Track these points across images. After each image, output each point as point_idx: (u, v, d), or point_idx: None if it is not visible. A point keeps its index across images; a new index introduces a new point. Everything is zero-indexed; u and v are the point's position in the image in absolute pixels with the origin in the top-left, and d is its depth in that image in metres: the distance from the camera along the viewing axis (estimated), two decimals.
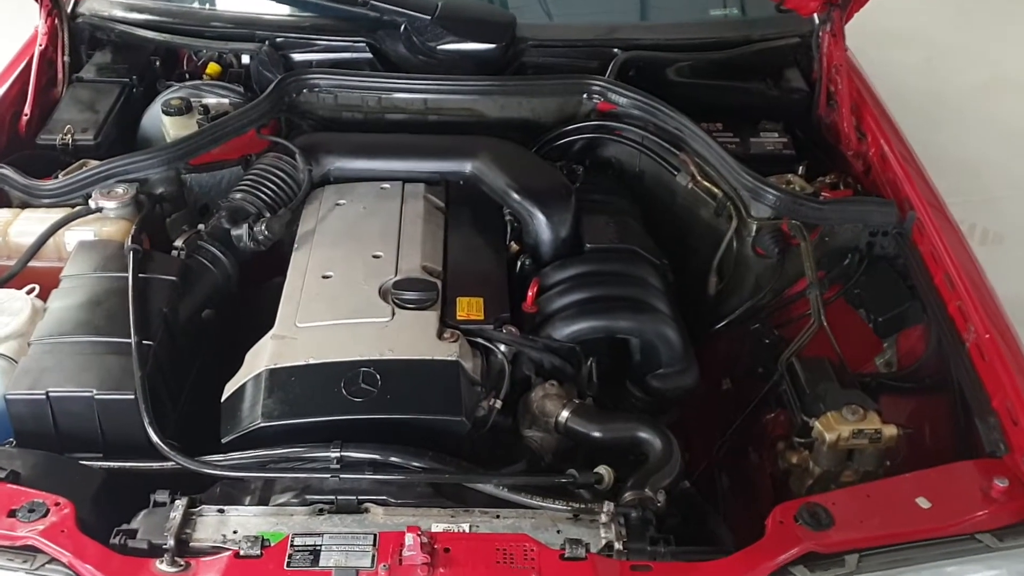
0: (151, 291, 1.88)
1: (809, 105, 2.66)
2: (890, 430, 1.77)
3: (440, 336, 1.80)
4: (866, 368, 2.11)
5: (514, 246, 2.14)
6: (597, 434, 1.74)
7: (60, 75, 2.65)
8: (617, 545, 1.49)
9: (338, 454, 1.58)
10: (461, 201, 2.28)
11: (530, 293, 1.94)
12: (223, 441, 1.68)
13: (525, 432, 1.80)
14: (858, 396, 1.83)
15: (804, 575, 1.45)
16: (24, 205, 2.21)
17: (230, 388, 1.78)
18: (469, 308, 1.89)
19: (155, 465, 1.65)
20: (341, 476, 1.57)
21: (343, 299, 1.89)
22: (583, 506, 1.57)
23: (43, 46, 2.59)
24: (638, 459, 1.72)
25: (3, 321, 1.85)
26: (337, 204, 2.21)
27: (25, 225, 2.10)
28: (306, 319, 1.84)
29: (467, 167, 2.25)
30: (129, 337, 1.78)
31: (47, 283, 1.99)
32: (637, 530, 1.53)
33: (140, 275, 1.89)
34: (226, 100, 2.56)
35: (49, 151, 2.42)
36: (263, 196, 2.16)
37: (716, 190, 2.28)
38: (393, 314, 1.84)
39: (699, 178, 2.31)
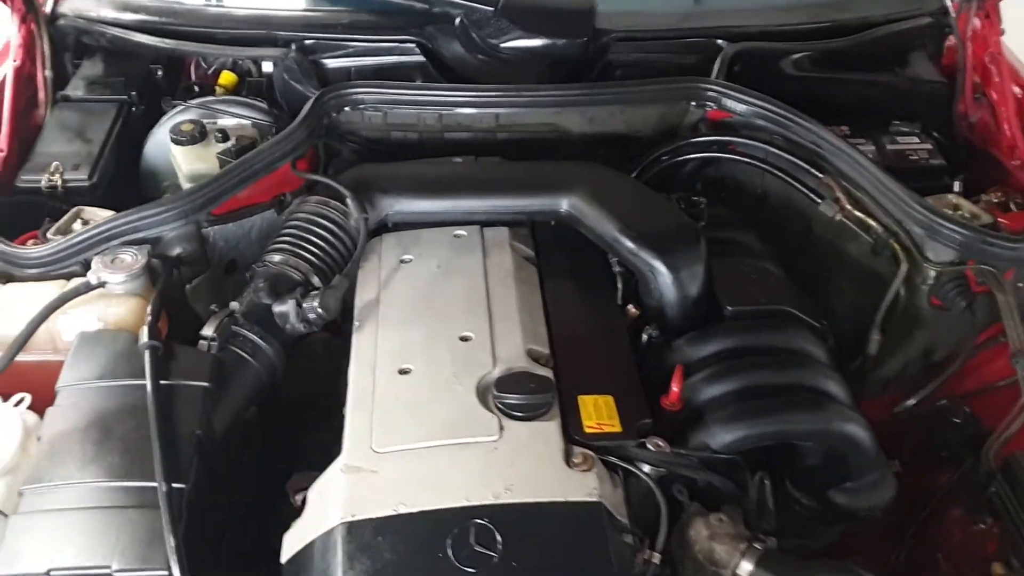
0: (178, 405, 1.43)
1: (945, 99, 2.19)
2: None
3: (569, 461, 1.35)
4: None
5: (632, 310, 1.69)
6: None
7: (41, 94, 2.16)
8: None
9: None
10: (551, 246, 1.81)
11: (675, 388, 1.48)
12: None
13: None
14: None
15: None
16: (5, 277, 1.74)
17: (293, 543, 1.34)
18: (599, 414, 1.43)
19: None
20: None
21: (432, 407, 1.43)
22: None
23: (18, 61, 2.10)
24: None
25: None
26: (402, 261, 1.74)
27: (8, 306, 1.63)
28: (387, 440, 1.39)
29: (562, 205, 1.78)
30: (152, 478, 1.33)
31: (38, 384, 1.54)
32: None
33: (162, 382, 1.44)
34: (247, 121, 2.09)
35: (33, 195, 1.95)
36: (309, 256, 1.69)
37: (872, 222, 1.82)
38: (501, 428, 1.39)
39: (848, 207, 1.84)
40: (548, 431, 1.39)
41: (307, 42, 2.13)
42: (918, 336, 1.80)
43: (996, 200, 1.94)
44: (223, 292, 1.84)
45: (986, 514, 1.56)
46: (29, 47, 2.12)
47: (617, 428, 1.41)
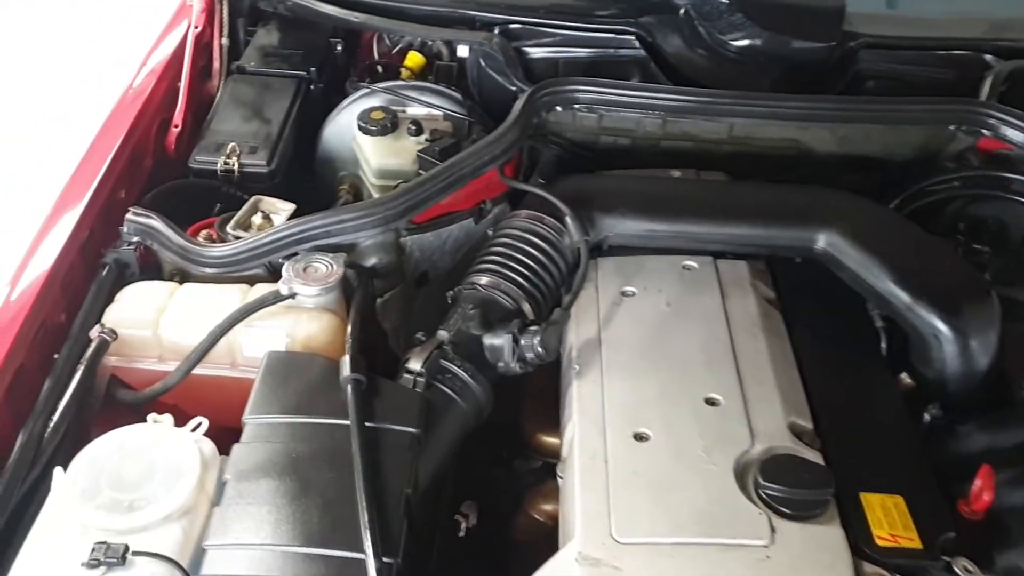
0: (385, 456, 1.21)
1: None
2: None
3: None
4: None
5: (907, 380, 1.41)
6: None
7: (216, 64, 1.98)
8: None
9: None
10: (794, 288, 1.55)
11: (985, 495, 1.20)
12: None
13: None
14: None
15: None
16: (178, 272, 1.56)
17: None
18: (890, 520, 1.17)
19: None
20: None
21: (681, 488, 1.19)
22: None
23: (199, 27, 1.91)
24: None
25: (157, 488, 1.21)
26: (623, 293, 1.50)
27: (184, 312, 1.45)
28: (629, 528, 1.15)
29: (818, 240, 1.51)
30: (357, 547, 1.12)
31: (212, 401, 1.37)
32: None
33: (367, 424, 1.23)
34: (438, 112, 1.87)
35: (206, 178, 1.77)
36: (521, 281, 1.47)
37: None
38: (772, 530, 1.14)
39: None
40: (831, 539, 1.13)
41: (512, 27, 1.89)
42: None
43: None
44: (412, 308, 1.63)
45: None
46: (210, 12, 1.93)
47: (916, 543, 1.14)
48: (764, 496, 1.17)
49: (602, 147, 1.81)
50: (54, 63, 4.07)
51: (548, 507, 1.48)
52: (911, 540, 1.15)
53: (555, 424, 1.46)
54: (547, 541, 1.30)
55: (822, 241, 1.51)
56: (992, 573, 1.15)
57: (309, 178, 1.94)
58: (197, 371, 1.41)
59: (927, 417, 1.36)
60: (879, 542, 1.14)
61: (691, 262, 1.54)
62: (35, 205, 3.16)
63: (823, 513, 1.16)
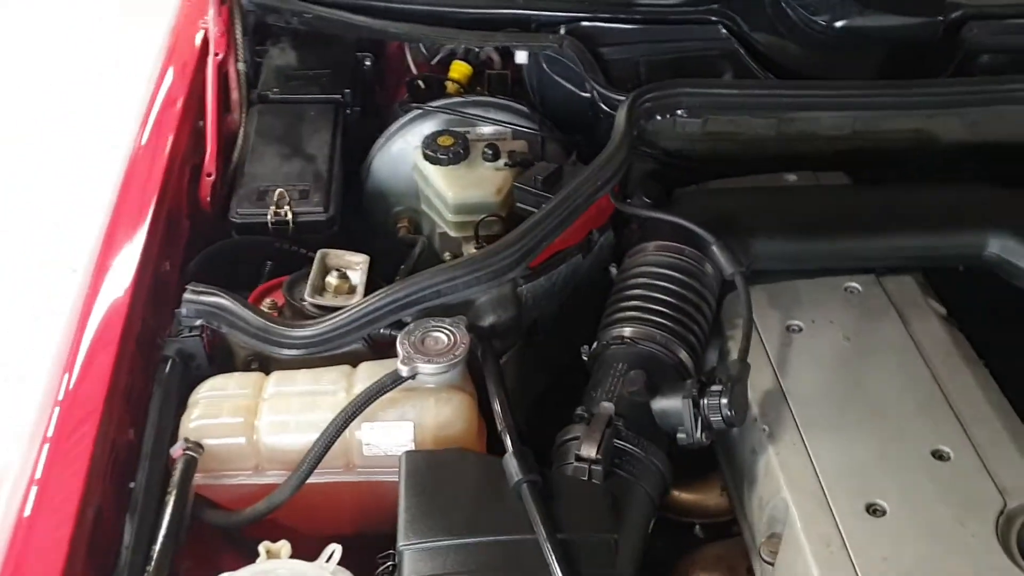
0: (584, 570, 0.99)
1: None
2: None
3: None
4: None
5: None
6: None
7: (235, 94, 1.70)
8: None
9: None
10: (958, 301, 1.36)
11: None
12: None
13: None
14: None
15: None
16: (255, 358, 1.30)
17: None
18: None
19: None
20: None
21: (939, 566, 1.00)
22: None
23: (221, 54, 1.63)
24: None
25: None
26: (789, 329, 1.29)
27: (281, 411, 1.19)
28: None
29: (990, 245, 1.33)
30: None
31: (321, 513, 1.15)
32: None
33: (559, 536, 1.00)
34: (506, 130, 1.63)
35: (254, 233, 1.50)
36: (675, 327, 1.25)
37: None
38: None
39: None
40: None
41: (582, 24, 1.65)
42: None
43: None
44: (526, 366, 1.40)
45: None
46: (230, 36, 1.65)
47: None
48: None
49: (700, 154, 1.60)
50: (54, 63, 3.91)
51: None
52: None
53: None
54: None
55: (995, 246, 1.33)
56: None
57: (356, 218, 1.68)
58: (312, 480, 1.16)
59: None
60: None
61: (853, 283, 1.35)
62: (35, 205, 3.11)
63: None
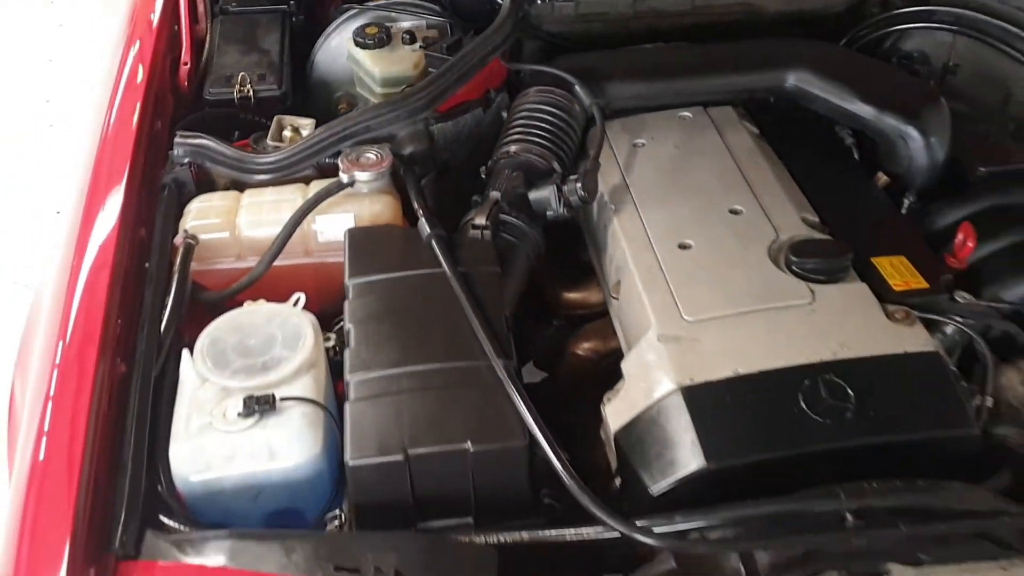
0: (479, 291, 1.41)
1: None
2: None
3: (891, 317, 1.35)
4: None
5: (883, 178, 1.68)
6: None
7: (201, 6, 2.09)
8: None
9: (857, 504, 1.15)
10: (769, 125, 1.79)
11: (968, 242, 1.48)
12: (652, 494, 1.25)
13: (995, 430, 1.38)
14: None
15: None
16: (232, 185, 1.70)
17: (620, 414, 1.34)
18: (899, 272, 1.43)
19: (577, 533, 1.21)
20: (870, 535, 1.14)
21: (729, 276, 1.43)
22: None
23: None
24: None
25: (283, 351, 1.37)
26: (635, 145, 1.72)
27: (255, 212, 1.60)
28: (695, 309, 1.38)
29: (788, 79, 1.76)
30: (470, 358, 1.32)
31: (291, 289, 1.52)
32: None
33: (459, 269, 1.42)
34: (422, 22, 2.04)
35: (223, 108, 1.89)
36: (548, 144, 1.67)
37: None
38: (812, 292, 1.39)
39: None
40: (859, 292, 1.39)
41: None
42: None
43: None
44: (442, 195, 1.81)
45: None
46: None
47: (924, 284, 1.41)
48: (797, 271, 1.42)
49: (578, 35, 2.01)
50: (55, 64, 4.07)
51: (590, 344, 1.69)
52: (920, 283, 1.41)
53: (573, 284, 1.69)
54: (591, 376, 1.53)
55: (792, 79, 1.76)
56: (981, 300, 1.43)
57: (304, 103, 2.08)
58: (274, 263, 1.56)
59: (906, 203, 1.63)
60: (895, 288, 1.40)
61: (686, 113, 1.77)
62: (35, 205, 3.31)
63: (847, 276, 1.41)
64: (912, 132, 1.64)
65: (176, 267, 1.51)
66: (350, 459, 1.23)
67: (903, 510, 1.16)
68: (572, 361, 1.70)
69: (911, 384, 1.27)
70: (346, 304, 1.42)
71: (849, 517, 1.14)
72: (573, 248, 1.77)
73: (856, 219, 1.56)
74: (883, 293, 1.40)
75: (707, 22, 1.99)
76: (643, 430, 1.30)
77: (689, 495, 1.22)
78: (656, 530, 1.17)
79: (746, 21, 1.99)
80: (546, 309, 1.75)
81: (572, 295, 1.74)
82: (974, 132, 1.74)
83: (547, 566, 1.27)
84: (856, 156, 1.73)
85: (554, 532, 1.22)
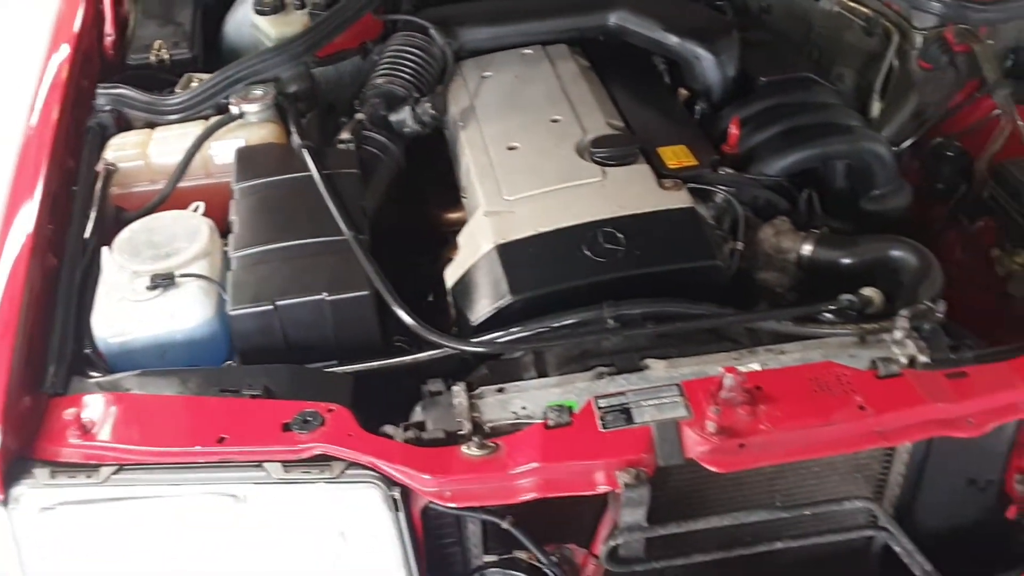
0: (341, 187, 1.75)
1: None
2: None
3: (662, 186, 1.71)
4: None
5: (683, 92, 2.04)
6: (847, 260, 1.68)
7: None
8: (922, 358, 1.44)
9: (614, 312, 1.49)
10: (601, 58, 2.15)
11: (733, 131, 1.85)
12: (473, 325, 1.59)
13: (758, 275, 1.73)
14: None
15: None
16: (149, 126, 2.03)
17: (453, 274, 1.68)
18: (677, 156, 1.79)
19: (417, 357, 1.55)
20: (623, 335, 1.49)
21: (543, 166, 1.78)
22: (871, 326, 1.51)
23: None
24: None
25: (182, 243, 1.71)
26: (483, 76, 2.07)
27: (163, 144, 1.94)
28: (513, 191, 1.73)
29: (610, 19, 2.12)
30: (330, 234, 1.66)
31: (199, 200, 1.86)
32: (934, 341, 1.48)
33: (326, 172, 1.76)
34: None
35: (143, 71, 2.23)
36: (408, 76, 2.02)
37: (864, 8, 2.18)
38: (604, 172, 1.74)
39: None
40: (641, 170, 1.75)
41: None
42: (911, 97, 2.16)
43: None
44: (327, 130, 2.15)
45: (983, 214, 1.95)
46: None
47: (694, 162, 1.77)
48: (596, 159, 1.77)
49: None
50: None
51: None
52: (691, 161, 1.77)
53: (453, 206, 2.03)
54: None
55: (613, 18, 2.13)
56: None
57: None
58: (181, 185, 1.90)
59: (698, 110, 1.99)
60: (670, 166, 1.76)
61: (527, 50, 2.13)
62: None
63: (636, 160, 1.77)
64: (704, 54, 2.00)
65: (98, 188, 1.84)
66: (230, 309, 1.56)
67: (652, 316, 1.50)
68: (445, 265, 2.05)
69: (670, 231, 1.63)
70: (231, 203, 1.76)
71: (610, 322, 1.49)
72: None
73: (654, 123, 1.92)
74: (661, 170, 1.75)
75: None
76: (469, 281, 1.64)
77: (505, 323, 1.56)
78: (473, 341, 1.51)
79: None
80: (433, 229, 2.09)
81: (452, 215, 2.08)
82: (766, 52, 2.10)
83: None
84: (667, 79, 2.09)
85: (397, 360, 1.56)
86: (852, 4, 2.19)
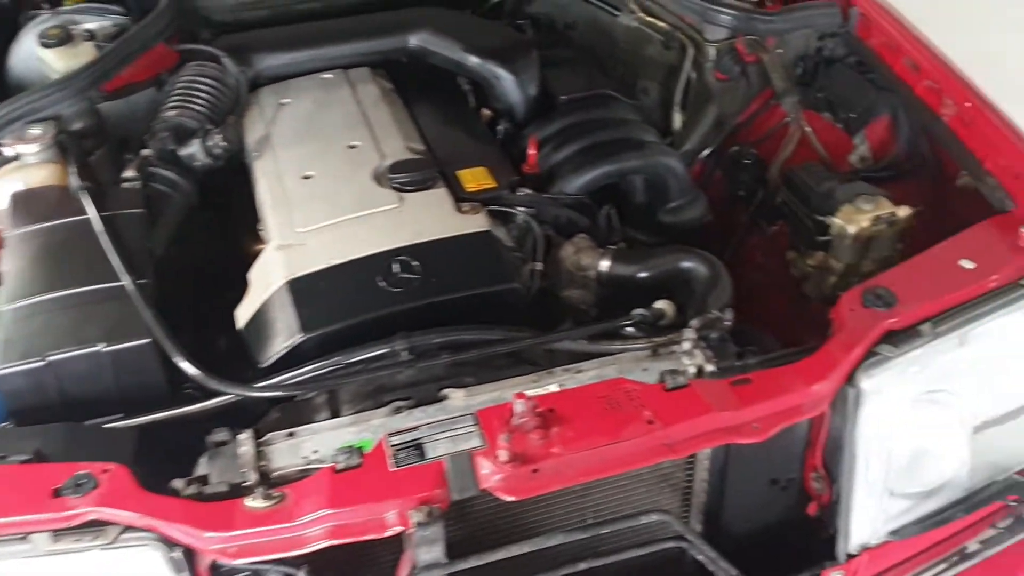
0: (123, 229, 1.66)
1: None
2: (904, 211, 1.83)
3: (460, 210, 1.69)
4: (842, 168, 2.16)
5: (486, 113, 2.04)
6: (643, 274, 1.71)
7: None
8: (709, 367, 1.48)
9: (407, 345, 1.46)
10: (406, 80, 2.13)
11: (531, 152, 1.85)
12: (263, 367, 1.53)
13: (562, 293, 1.74)
14: (863, 186, 1.88)
15: (891, 351, 1.48)
16: None
17: (244, 314, 1.62)
18: (475, 178, 1.78)
19: (202, 406, 1.48)
20: (419, 366, 1.46)
21: (338, 195, 1.74)
22: (662, 339, 1.54)
23: None
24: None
25: None
26: (281, 104, 2.01)
27: None
28: (306, 222, 1.68)
29: (411, 41, 2.10)
30: (108, 280, 1.56)
31: None
32: (720, 349, 1.51)
33: (103, 214, 1.66)
34: (108, 22, 2.27)
35: None
36: (199, 109, 1.94)
37: (661, 23, 2.23)
38: (400, 199, 1.71)
39: (641, 14, 2.25)
40: (439, 194, 1.73)
41: None
42: (710, 109, 2.22)
43: None
44: (121, 167, 2.04)
45: (777, 219, 2.02)
46: None
47: (493, 184, 1.77)
48: (394, 185, 1.74)
49: (248, 22, 2.29)
50: None
51: None
52: (490, 184, 1.77)
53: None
54: None
55: (414, 40, 2.10)
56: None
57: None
58: None
59: (500, 130, 2.00)
60: (468, 189, 1.75)
61: (327, 75, 2.09)
62: None
63: (433, 186, 1.75)
64: (504, 74, 2.01)
65: None
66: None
67: (447, 345, 1.48)
68: None
69: (466, 256, 1.61)
70: (3, 253, 1.64)
71: (404, 354, 1.46)
72: None
73: (456, 145, 1.91)
74: (459, 194, 1.74)
75: (356, 1, 2.30)
76: (260, 320, 1.58)
77: (300, 362, 1.51)
78: (256, 386, 1.45)
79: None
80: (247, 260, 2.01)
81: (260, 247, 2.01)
82: (568, 70, 2.12)
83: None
84: (472, 99, 2.08)
85: (185, 409, 1.49)
86: (650, 19, 2.24)
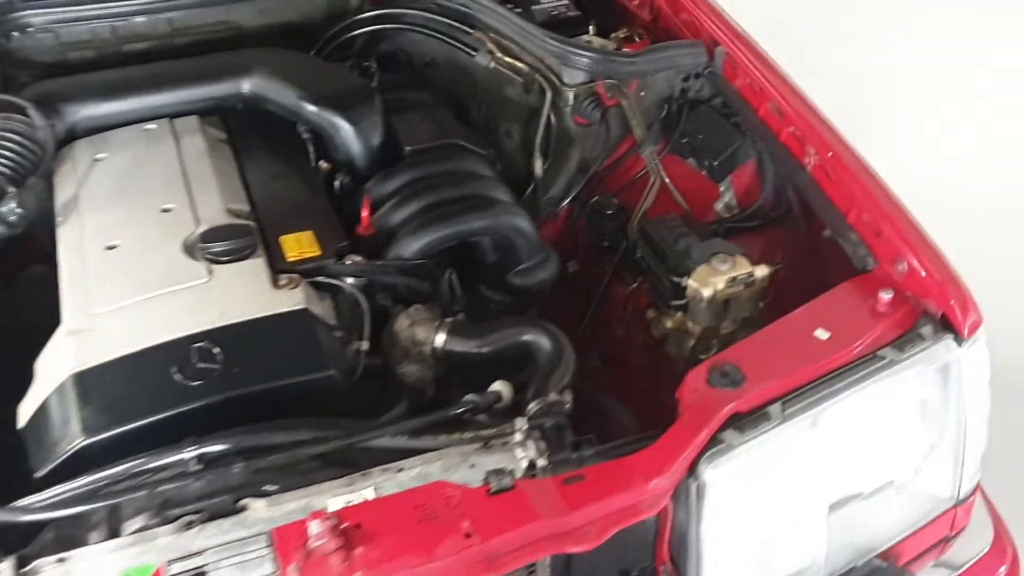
0: None
1: None
2: (762, 271, 1.73)
3: (276, 285, 1.53)
4: (707, 216, 2.06)
5: (324, 165, 1.87)
6: (481, 350, 1.57)
7: None
8: (541, 462, 1.35)
9: (196, 452, 1.30)
10: (243, 129, 1.95)
11: (364, 213, 1.70)
12: (38, 475, 1.35)
13: (398, 370, 1.59)
14: (721, 244, 1.78)
15: (735, 438, 1.37)
16: None
17: (26, 411, 1.43)
18: (299, 245, 1.62)
19: None
20: (208, 477, 1.29)
21: (142, 269, 1.56)
22: (492, 431, 1.40)
23: None
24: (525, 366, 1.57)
25: None
26: (96, 160, 1.82)
27: None
28: (102, 303, 1.50)
29: (244, 86, 1.92)
30: None
31: None
32: (555, 439, 1.39)
33: None
34: None
35: None
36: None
37: (520, 64, 2.10)
38: (210, 272, 1.54)
39: (500, 54, 2.11)
40: (255, 266, 1.56)
41: None
42: (572, 154, 2.10)
43: (623, 35, 2.27)
44: None
45: (638, 274, 1.91)
46: None
47: (317, 252, 1.61)
48: (207, 256, 1.57)
49: (73, 64, 2.08)
50: None
51: None
52: (314, 252, 1.61)
53: None
54: None
55: (247, 85, 1.93)
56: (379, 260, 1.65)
57: None
58: None
59: (338, 184, 1.84)
60: (290, 259, 1.59)
61: (151, 125, 1.89)
62: None
63: (254, 254, 1.58)
64: (342, 123, 1.85)
65: None
66: None
67: (245, 449, 1.32)
68: None
69: (277, 339, 1.45)
70: None
71: (193, 464, 1.30)
72: None
73: (284, 204, 1.74)
74: (278, 265, 1.58)
75: (194, 41, 2.12)
76: (41, 419, 1.40)
77: (83, 467, 1.33)
78: (24, 504, 1.27)
79: (231, 38, 2.14)
80: None
81: None
82: (415, 117, 1.97)
83: None
84: (312, 149, 1.91)
85: None
86: (509, 59, 2.11)
